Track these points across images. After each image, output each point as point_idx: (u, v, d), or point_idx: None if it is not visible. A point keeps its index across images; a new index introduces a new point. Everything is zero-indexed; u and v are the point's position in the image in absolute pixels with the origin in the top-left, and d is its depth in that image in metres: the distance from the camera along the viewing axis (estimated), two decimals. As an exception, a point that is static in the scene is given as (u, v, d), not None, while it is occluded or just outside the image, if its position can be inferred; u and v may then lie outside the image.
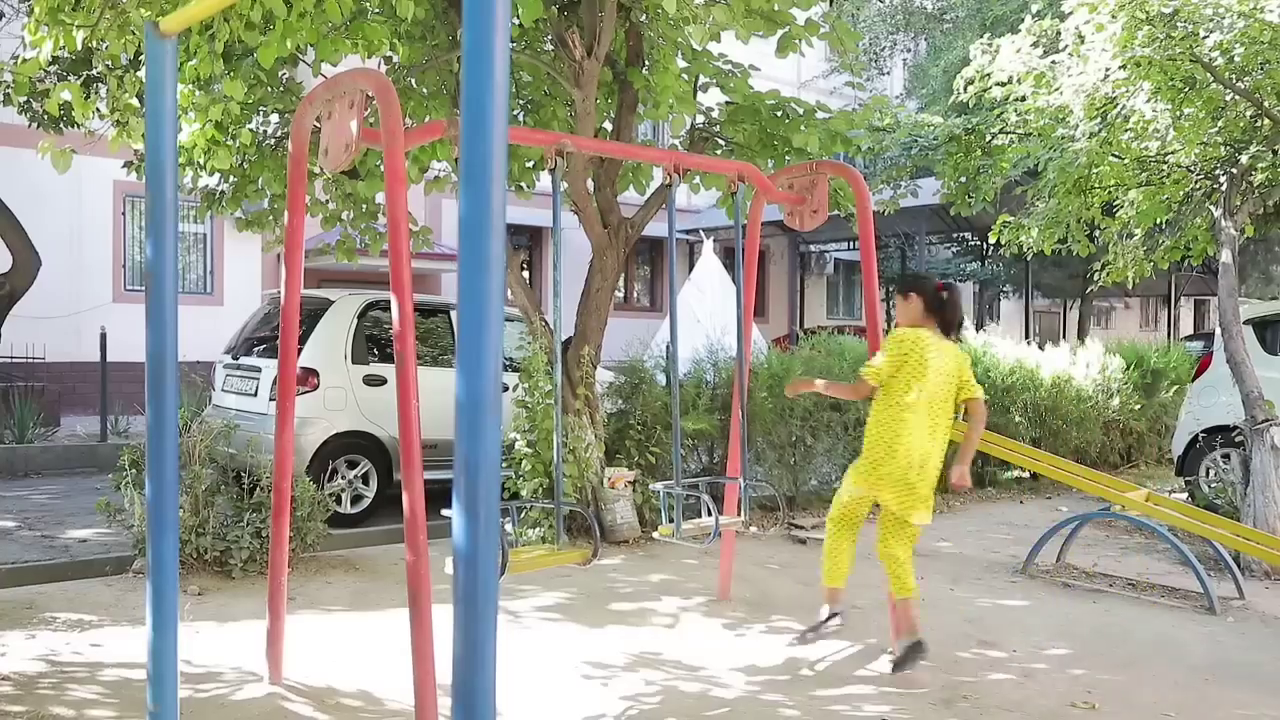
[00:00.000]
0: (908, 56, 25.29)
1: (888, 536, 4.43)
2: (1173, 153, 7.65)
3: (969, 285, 28.07)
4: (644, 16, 6.58)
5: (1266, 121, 7.02)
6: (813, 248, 24.61)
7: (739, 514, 5.30)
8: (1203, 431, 8.56)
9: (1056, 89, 7.70)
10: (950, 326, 4.33)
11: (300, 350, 4.76)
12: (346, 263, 8.46)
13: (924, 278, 4.47)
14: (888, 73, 25.00)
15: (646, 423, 7.43)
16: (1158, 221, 8.50)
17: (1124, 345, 11.93)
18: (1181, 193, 8.02)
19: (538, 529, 6.48)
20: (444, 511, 2.92)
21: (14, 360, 12.78)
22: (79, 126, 6.58)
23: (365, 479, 7.72)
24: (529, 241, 20.21)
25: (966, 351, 9.81)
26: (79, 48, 5.32)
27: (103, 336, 11.27)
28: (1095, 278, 9.56)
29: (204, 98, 6.67)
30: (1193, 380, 9.22)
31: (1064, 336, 22.69)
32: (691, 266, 16.86)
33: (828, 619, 4.63)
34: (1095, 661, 4.69)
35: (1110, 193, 8.55)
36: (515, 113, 7.91)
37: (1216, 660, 4.77)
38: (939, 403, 4.23)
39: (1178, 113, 7.11)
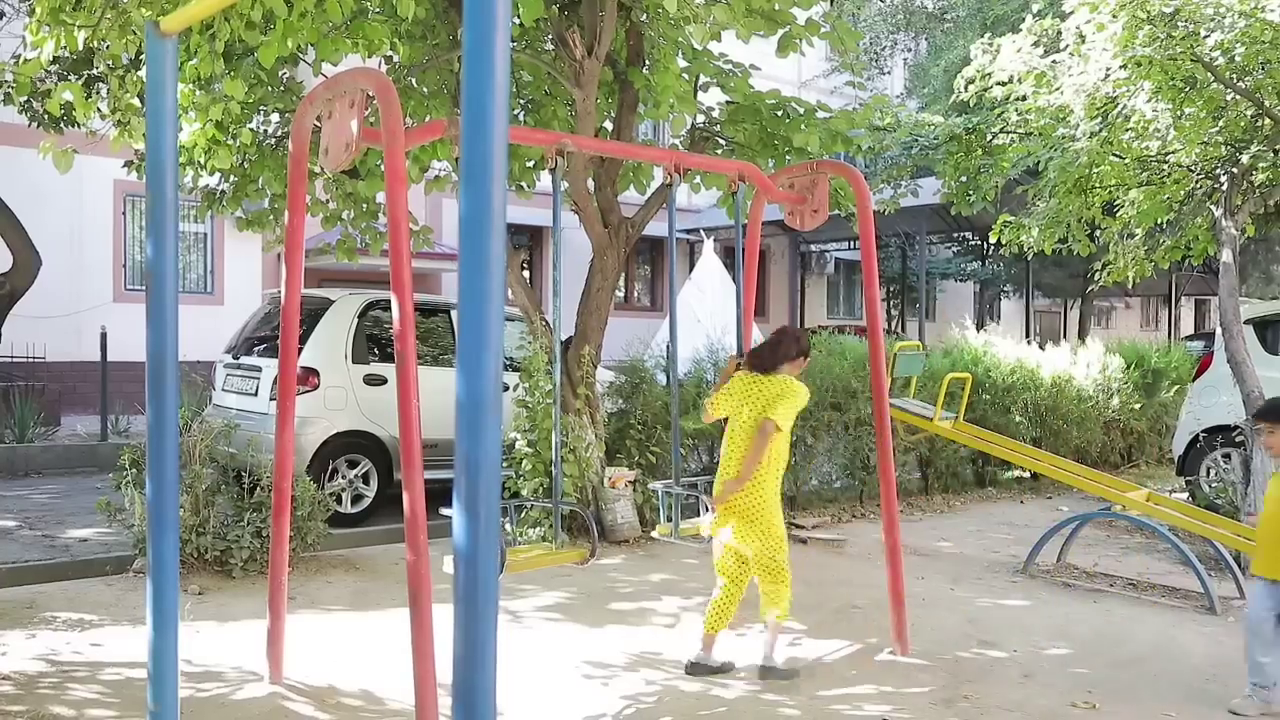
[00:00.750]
0: (908, 56, 25.28)
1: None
2: (1173, 152, 7.64)
3: (969, 285, 28.08)
4: (644, 16, 6.57)
5: (1267, 121, 7.01)
6: (813, 247, 24.61)
7: None
8: (1203, 431, 8.55)
9: (1057, 88, 7.69)
10: (760, 367, 4.42)
11: (300, 350, 4.76)
12: (347, 262, 8.46)
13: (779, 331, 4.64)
14: (888, 72, 24.99)
15: (647, 422, 7.43)
16: (1158, 221, 8.48)
17: (1124, 345, 11.93)
18: (1182, 192, 8.01)
19: (538, 528, 6.48)
20: (444, 511, 2.92)
21: (14, 360, 12.78)
22: (80, 126, 6.58)
23: (365, 478, 7.72)
24: (529, 241, 20.21)
25: (972, 354, 9.89)
26: (80, 48, 5.33)
27: (103, 336, 11.27)
28: (1096, 277, 9.55)
29: (204, 97, 6.67)
30: (1193, 380, 9.21)
31: (1064, 336, 22.69)
32: (692, 266, 16.87)
33: (695, 665, 4.45)
34: (1095, 661, 4.69)
35: (1111, 192, 8.54)
36: (516, 112, 7.91)
37: (1217, 660, 4.77)
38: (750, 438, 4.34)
39: (1178, 112, 7.10)
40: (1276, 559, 4.10)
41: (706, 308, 11.96)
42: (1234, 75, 6.78)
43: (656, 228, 9.26)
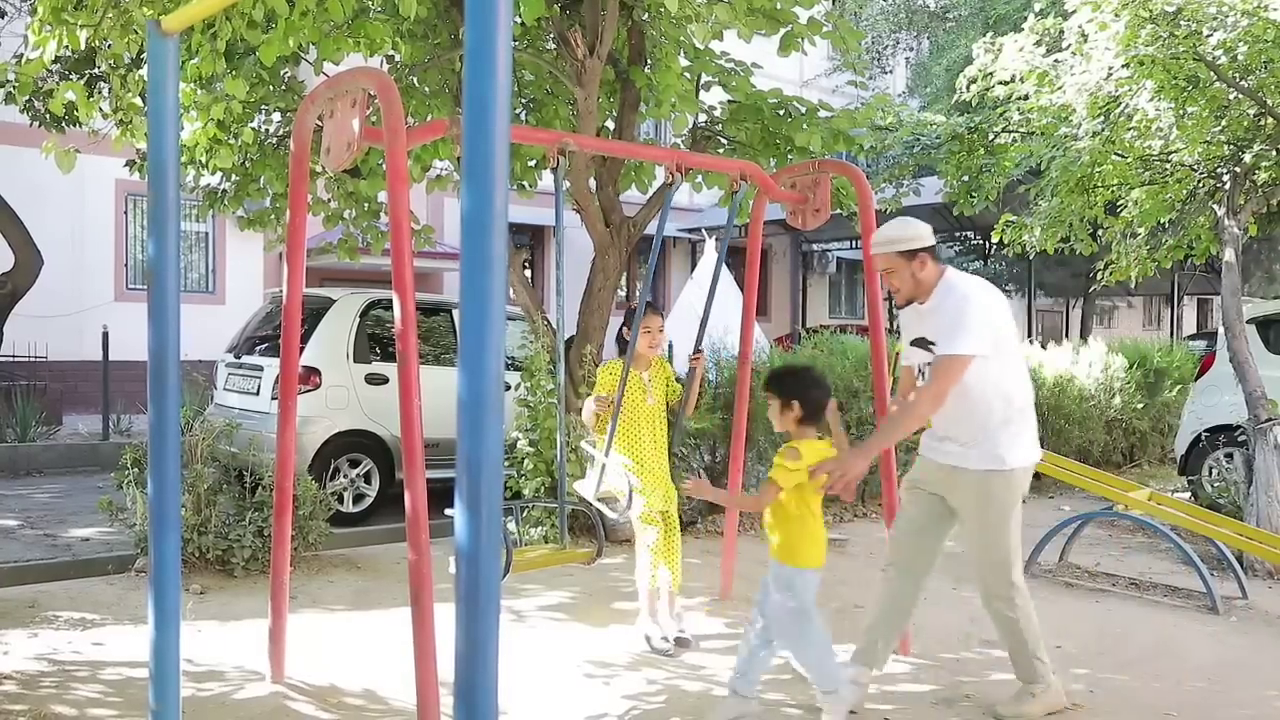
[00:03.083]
0: (910, 55, 25.28)
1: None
2: (1176, 151, 7.63)
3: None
4: (646, 15, 6.57)
5: (1270, 120, 7.00)
6: (815, 247, 24.60)
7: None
8: (1205, 431, 8.53)
9: (1059, 88, 7.68)
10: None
11: (302, 349, 4.76)
12: (348, 261, 8.46)
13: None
14: (890, 71, 24.99)
15: (648, 422, 7.41)
16: (1161, 220, 8.48)
17: (1127, 344, 11.90)
18: (1185, 192, 8.00)
19: (539, 528, 6.48)
20: (447, 511, 2.92)
21: (16, 359, 12.79)
22: (82, 126, 6.60)
23: (367, 478, 7.73)
24: (531, 240, 20.22)
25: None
26: (82, 47, 5.33)
27: (105, 335, 11.28)
28: (1098, 277, 9.54)
29: (206, 96, 6.67)
30: (1195, 379, 9.20)
31: (1067, 336, 22.67)
32: (694, 265, 16.87)
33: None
34: (1097, 661, 4.69)
35: (1113, 191, 8.53)
36: (517, 111, 7.91)
37: (1219, 660, 4.76)
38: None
39: (1181, 111, 7.09)
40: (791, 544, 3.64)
41: (708, 307, 11.93)
42: (1236, 74, 6.77)
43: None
